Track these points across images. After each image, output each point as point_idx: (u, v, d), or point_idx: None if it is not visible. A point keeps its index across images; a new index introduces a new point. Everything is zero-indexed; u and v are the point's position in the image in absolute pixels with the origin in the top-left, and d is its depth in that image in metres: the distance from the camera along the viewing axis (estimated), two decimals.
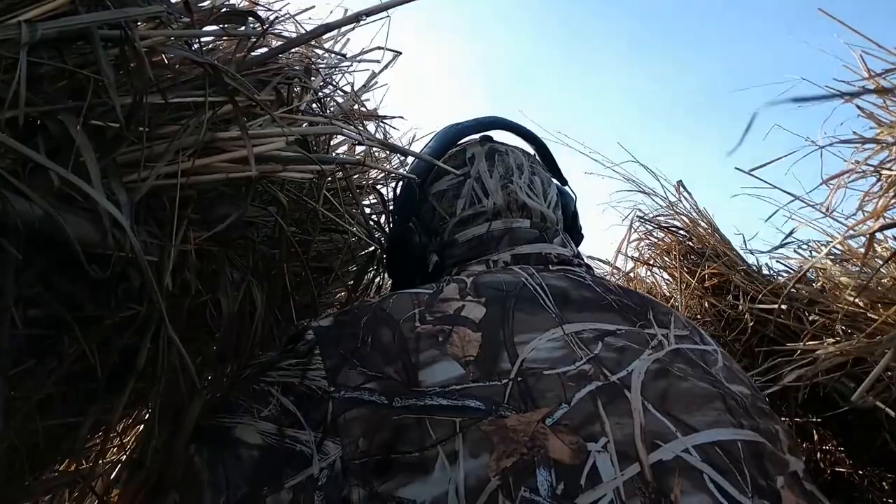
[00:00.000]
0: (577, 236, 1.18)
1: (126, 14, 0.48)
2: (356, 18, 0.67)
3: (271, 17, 0.91)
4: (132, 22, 0.50)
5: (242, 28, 0.66)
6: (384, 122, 1.29)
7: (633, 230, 1.97)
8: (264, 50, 0.75)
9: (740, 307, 1.65)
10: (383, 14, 1.15)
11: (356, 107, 1.32)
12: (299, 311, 1.12)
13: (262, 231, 0.93)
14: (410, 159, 1.21)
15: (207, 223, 0.78)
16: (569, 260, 0.94)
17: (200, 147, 0.68)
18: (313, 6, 1.11)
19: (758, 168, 1.30)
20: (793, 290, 1.51)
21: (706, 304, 1.78)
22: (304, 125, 0.81)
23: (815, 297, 1.40)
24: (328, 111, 1.25)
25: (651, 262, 1.97)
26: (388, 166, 1.32)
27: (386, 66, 1.27)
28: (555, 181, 1.14)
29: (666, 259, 1.93)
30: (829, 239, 1.46)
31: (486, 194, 0.99)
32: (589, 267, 0.96)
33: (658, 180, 1.98)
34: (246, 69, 0.67)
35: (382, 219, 1.36)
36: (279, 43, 0.81)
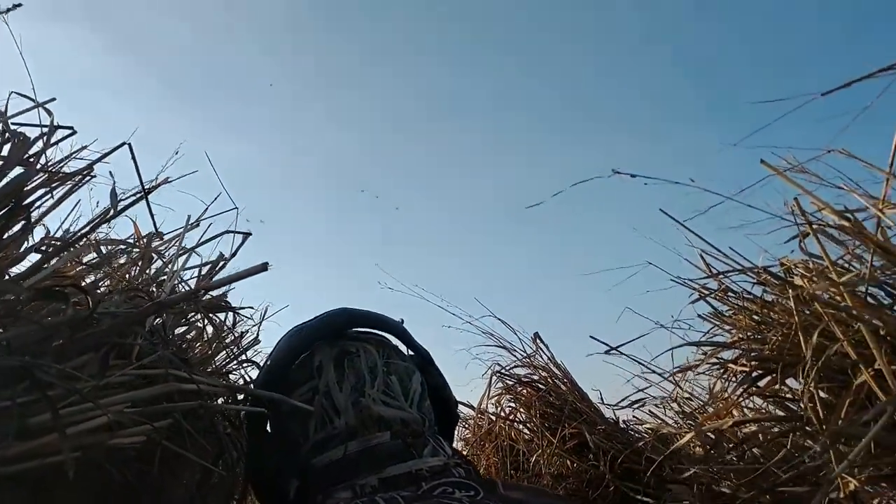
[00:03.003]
0: (451, 417, 1.13)
1: None
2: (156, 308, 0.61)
3: (101, 282, 0.82)
4: None
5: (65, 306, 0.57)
6: (237, 313, 1.20)
7: (492, 386, 1.97)
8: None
9: (601, 468, 1.67)
10: (231, 207, 1.11)
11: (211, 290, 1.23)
12: None
13: None
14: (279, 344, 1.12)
15: None
16: (442, 469, 0.88)
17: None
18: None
19: (618, 346, 1.35)
20: (651, 452, 1.56)
21: (568, 463, 1.79)
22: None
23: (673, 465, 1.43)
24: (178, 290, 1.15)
25: (512, 418, 1.97)
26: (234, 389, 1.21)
27: (236, 251, 1.20)
28: (417, 358, 1.09)
29: (528, 413, 1.93)
30: (683, 399, 1.54)
31: (338, 413, 0.92)
32: (468, 464, 0.91)
33: (515, 333, 2.01)
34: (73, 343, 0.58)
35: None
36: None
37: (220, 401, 0.96)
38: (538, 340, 2.00)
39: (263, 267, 0.66)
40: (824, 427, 0.98)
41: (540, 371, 1.97)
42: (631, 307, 1.35)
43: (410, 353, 1.07)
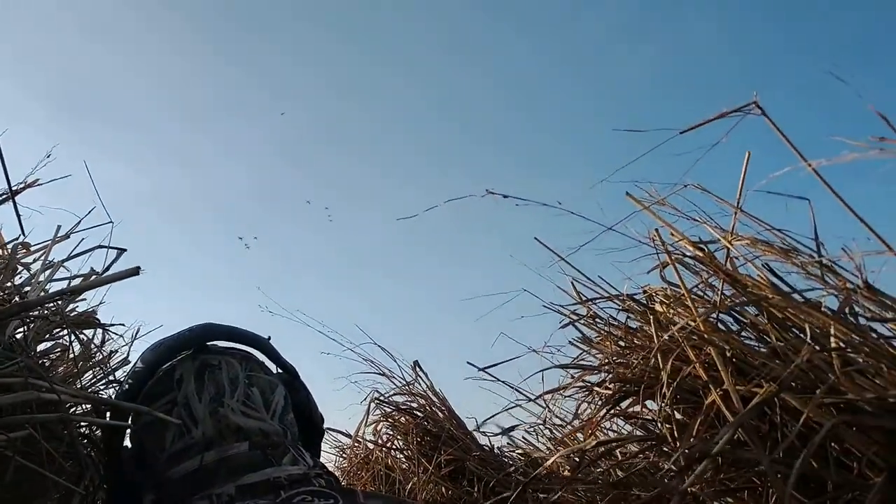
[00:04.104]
0: (315, 431, 1.11)
1: None
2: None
3: None
4: None
5: None
6: (107, 330, 1.14)
7: (370, 412, 1.95)
8: None
9: (475, 494, 1.69)
10: (107, 220, 1.06)
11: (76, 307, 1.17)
12: None
13: None
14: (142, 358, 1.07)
15: None
16: (302, 478, 0.87)
17: None
18: None
19: (488, 367, 1.38)
20: (521, 476, 1.59)
21: (443, 489, 1.79)
22: None
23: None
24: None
25: (389, 445, 1.95)
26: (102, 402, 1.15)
27: (108, 267, 1.14)
28: (283, 374, 1.07)
29: (406, 440, 1.93)
30: (553, 424, 1.59)
31: (196, 423, 0.90)
32: (329, 475, 0.90)
33: (395, 361, 2.01)
34: None
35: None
36: None
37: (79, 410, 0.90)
38: (418, 368, 2.01)
39: (135, 271, 0.63)
40: (678, 445, 1.04)
41: (418, 398, 1.98)
42: (506, 333, 1.39)
43: (279, 371, 1.06)
